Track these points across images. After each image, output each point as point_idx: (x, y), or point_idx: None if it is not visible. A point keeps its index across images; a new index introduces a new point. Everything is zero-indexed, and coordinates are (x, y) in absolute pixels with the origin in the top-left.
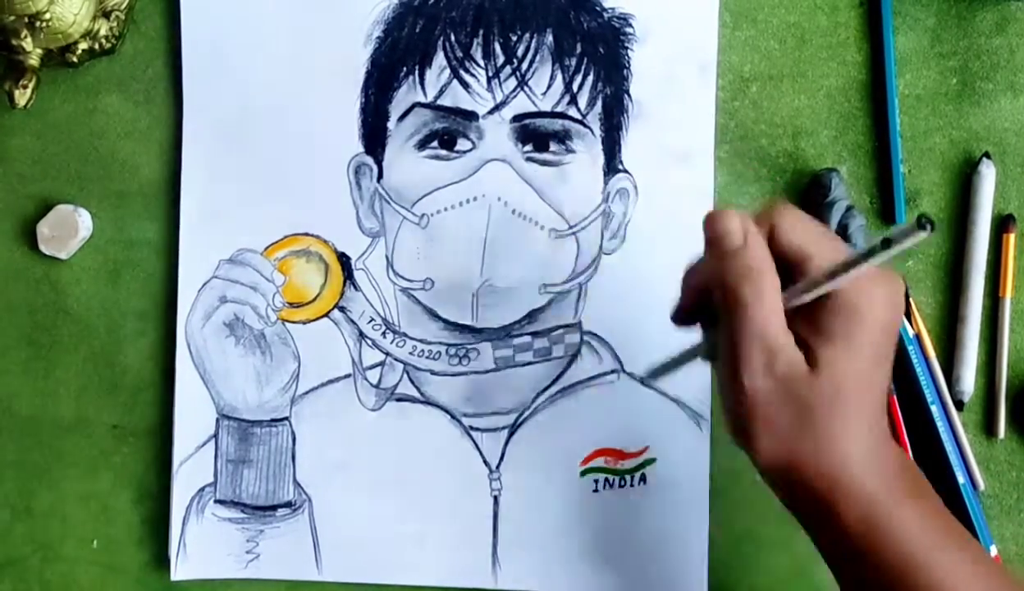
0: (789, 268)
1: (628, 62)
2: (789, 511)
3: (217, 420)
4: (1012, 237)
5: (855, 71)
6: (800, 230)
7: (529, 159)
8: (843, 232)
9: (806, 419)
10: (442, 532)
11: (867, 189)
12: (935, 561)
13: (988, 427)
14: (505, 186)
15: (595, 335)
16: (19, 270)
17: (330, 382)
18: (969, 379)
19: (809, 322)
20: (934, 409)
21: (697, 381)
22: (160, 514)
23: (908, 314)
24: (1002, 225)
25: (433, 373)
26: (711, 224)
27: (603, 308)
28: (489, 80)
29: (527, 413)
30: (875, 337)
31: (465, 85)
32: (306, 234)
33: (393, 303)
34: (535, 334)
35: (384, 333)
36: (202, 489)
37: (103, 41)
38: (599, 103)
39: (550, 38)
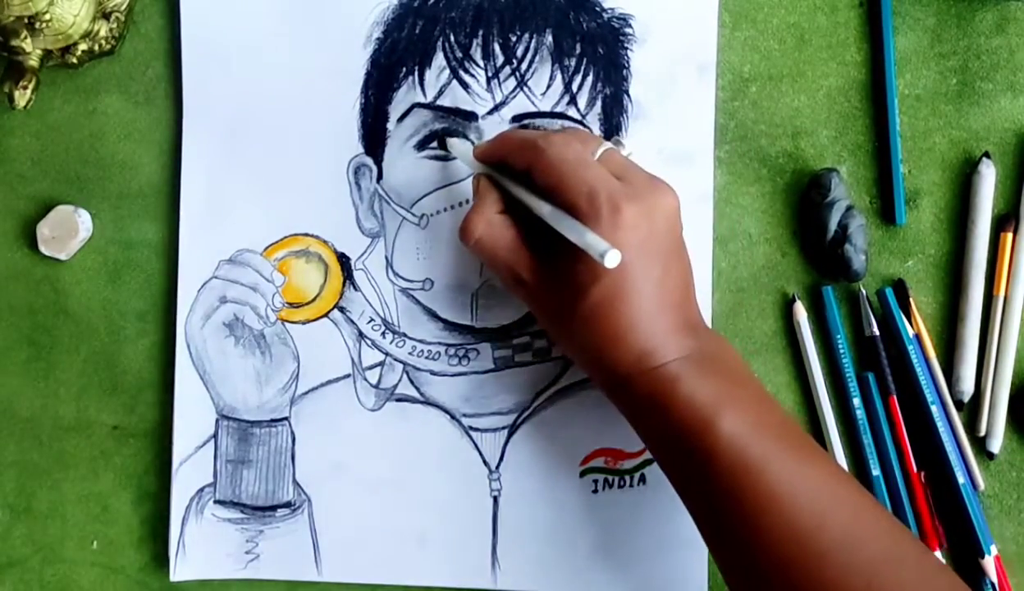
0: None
1: (628, 62)
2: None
3: (217, 420)
4: (1010, 236)
5: (855, 71)
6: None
7: None
8: (843, 232)
9: None
10: (442, 532)
11: (867, 189)
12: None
13: (987, 427)
14: None
15: None
16: (19, 271)
17: (330, 382)
18: (969, 379)
19: None
20: (934, 409)
21: None
22: (160, 515)
23: (908, 314)
24: (1000, 224)
25: (433, 373)
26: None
27: None
28: (488, 80)
29: (527, 413)
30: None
31: (465, 85)
32: (306, 234)
33: (393, 303)
34: (535, 334)
35: (384, 333)
36: (202, 489)
37: (103, 42)
38: (599, 103)
39: (550, 38)
